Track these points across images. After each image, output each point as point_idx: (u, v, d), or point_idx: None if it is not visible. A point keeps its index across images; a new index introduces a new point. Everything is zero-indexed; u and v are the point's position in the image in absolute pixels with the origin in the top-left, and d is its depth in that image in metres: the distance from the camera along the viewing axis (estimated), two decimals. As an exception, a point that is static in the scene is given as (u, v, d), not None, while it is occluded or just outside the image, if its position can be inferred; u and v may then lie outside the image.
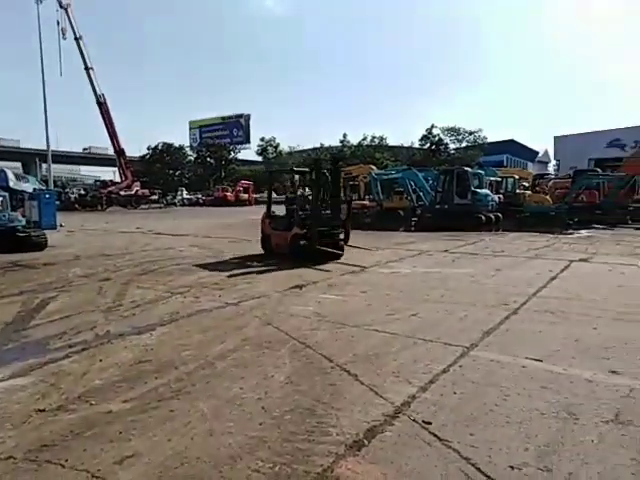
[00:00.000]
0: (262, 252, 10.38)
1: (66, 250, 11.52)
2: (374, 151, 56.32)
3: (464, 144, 56.18)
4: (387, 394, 3.12)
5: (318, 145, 67.05)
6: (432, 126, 55.20)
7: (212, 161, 65.84)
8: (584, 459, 2.35)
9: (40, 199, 17.33)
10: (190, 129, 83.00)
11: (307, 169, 10.34)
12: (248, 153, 74.77)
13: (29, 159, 58.36)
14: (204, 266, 8.77)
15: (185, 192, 55.25)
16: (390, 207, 19.37)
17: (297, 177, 11.04)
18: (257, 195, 52.80)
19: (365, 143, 61.41)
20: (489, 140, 56.74)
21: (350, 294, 6.27)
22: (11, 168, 23.23)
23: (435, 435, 2.58)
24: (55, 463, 2.33)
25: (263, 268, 8.55)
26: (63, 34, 35.13)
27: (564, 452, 2.41)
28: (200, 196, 52.84)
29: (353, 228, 17.91)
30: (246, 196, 48.28)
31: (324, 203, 9.65)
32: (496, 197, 18.82)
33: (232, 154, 69.10)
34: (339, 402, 3.02)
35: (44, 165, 42.91)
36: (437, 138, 55.11)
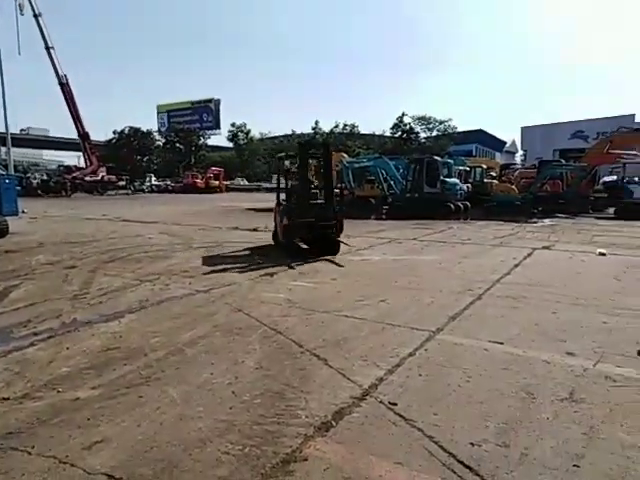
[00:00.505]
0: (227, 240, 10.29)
1: (29, 237, 11.16)
2: (346, 139, 56.40)
3: (435, 133, 56.93)
4: (355, 377, 3.20)
5: (289, 132, 66.61)
6: (403, 114, 55.73)
7: (181, 147, 64.62)
8: (539, 435, 2.49)
9: (0, 183, 16.66)
10: (158, 113, 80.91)
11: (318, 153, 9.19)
12: (219, 139, 73.60)
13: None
14: (174, 254, 8.66)
15: (154, 178, 54.09)
16: (361, 195, 19.53)
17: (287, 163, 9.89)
18: (228, 182, 52.20)
19: (337, 131, 61.37)
20: (459, 129, 57.62)
21: (321, 281, 6.33)
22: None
23: (400, 415, 2.68)
24: (21, 450, 2.31)
25: (235, 254, 8.52)
26: (21, 10, 33.48)
27: (521, 429, 2.55)
28: (169, 183, 51.88)
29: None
30: (217, 183, 47.67)
31: (315, 192, 8.86)
32: (465, 186, 19.26)
33: (202, 140, 67.91)
34: (308, 386, 3.08)
35: (3, 148, 41.09)
36: (408, 127, 55.61)
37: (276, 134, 68.81)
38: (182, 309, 4.93)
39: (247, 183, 57.24)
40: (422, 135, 56.82)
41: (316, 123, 63.29)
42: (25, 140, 64.59)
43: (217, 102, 75.41)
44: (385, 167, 19.25)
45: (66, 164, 49.39)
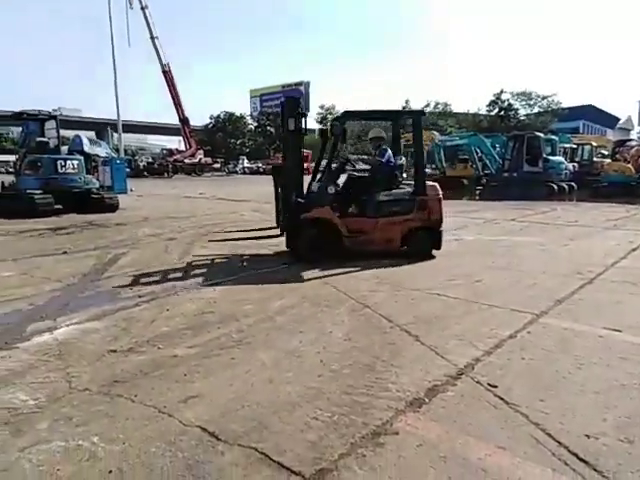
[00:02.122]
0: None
1: (136, 212, 12.11)
2: (437, 118, 54.11)
3: (536, 109, 52.60)
4: (449, 355, 3.01)
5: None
6: (501, 91, 52.05)
7: (272, 130, 66.29)
8: (671, 433, 2.14)
9: (112, 165, 18.30)
10: (251, 98, 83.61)
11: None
12: (308, 121, 74.42)
13: (102, 128, 61.52)
14: (264, 229, 8.89)
15: (246, 161, 56.26)
16: (453, 175, 18.66)
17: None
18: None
19: (428, 110, 59.11)
20: (564, 105, 52.71)
21: (409, 260, 6.10)
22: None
23: (501, 398, 2.45)
24: (126, 397, 2.45)
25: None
26: (130, 4, 36.02)
27: (647, 425, 2.21)
28: (260, 165, 53.61)
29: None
30: (305, 165, 48.34)
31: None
32: (570, 165, 17.57)
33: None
34: (398, 360, 2.95)
35: (115, 134, 45.11)
36: (506, 103, 51.90)
37: (364, 115, 68.02)
38: (270, 280, 5.01)
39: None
40: (522, 112, 52.77)
41: (406, 102, 61.44)
42: (132, 126, 70.27)
43: (307, 85, 76.07)
44: (480, 145, 18.17)
45: (168, 147, 52.94)
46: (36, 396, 2.45)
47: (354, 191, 6.40)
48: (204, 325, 3.59)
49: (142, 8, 37.39)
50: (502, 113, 51.77)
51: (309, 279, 5.03)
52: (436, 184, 6.59)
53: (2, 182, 12.55)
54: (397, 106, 65.69)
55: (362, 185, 6.43)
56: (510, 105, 52.07)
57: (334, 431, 2.15)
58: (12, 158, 31.47)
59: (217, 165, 49.08)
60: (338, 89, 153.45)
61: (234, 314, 3.86)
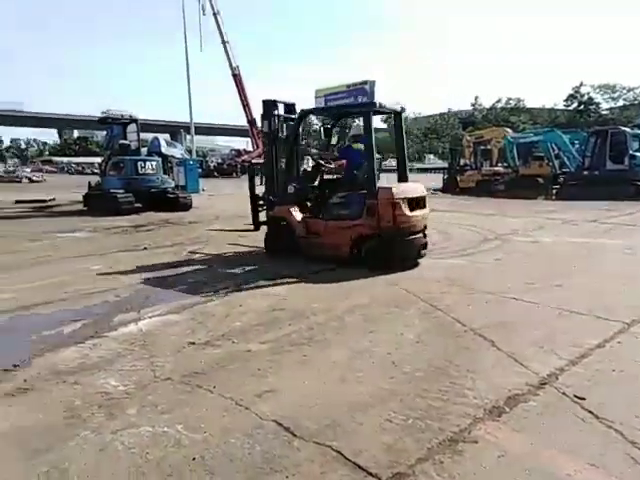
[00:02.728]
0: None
1: (207, 211, 12.63)
2: (509, 114, 51.71)
3: (620, 103, 48.78)
4: (529, 363, 2.85)
5: (445, 110, 63.69)
6: (581, 84, 48.82)
7: (337, 129, 66.55)
8: None
9: (186, 166, 19.23)
10: (316, 98, 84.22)
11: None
12: (373, 120, 74.01)
13: (175, 131, 64.89)
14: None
15: (310, 160, 56.84)
16: (527, 174, 17.69)
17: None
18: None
19: (499, 105, 56.65)
20: (654, 97, 48.46)
21: (482, 261, 5.88)
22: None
23: (591, 412, 2.29)
24: (205, 388, 2.55)
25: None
26: (203, 10, 37.53)
27: None
28: (323, 163, 53.82)
29: (484, 195, 16.98)
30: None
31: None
32: (661, 163, 16.07)
33: (356, 121, 69.03)
34: (474, 365, 2.84)
35: (188, 136, 47.29)
36: (586, 97, 48.56)
37: (430, 113, 66.49)
38: (339, 280, 5.02)
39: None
40: (604, 106, 49.16)
41: (475, 99, 59.34)
42: (203, 128, 73.44)
43: (372, 84, 74.93)
44: (557, 141, 17.10)
45: (236, 148, 54.72)
46: (125, 383, 2.61)
47: (320, 192, 6.32)
48: (275, 321, 3.67)
49: (214, 14, 38.82)
50: (581, 107, 48.51)
51: (377, 280, 4.98)
52: (394, 188, 5.53)
53: (89, 182, 13.61)
54: (466, 103, 63.56)
55: (328, 186, 6.32)
56: (590, 99, 48.69)
57: (409, 435, 2.11)
58: (97, 160, 34.02)
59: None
60: (409, 85, 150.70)
61: (303, 312, 3.91)
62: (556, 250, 6.58)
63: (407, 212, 5.42)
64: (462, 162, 21.71)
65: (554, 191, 16.49)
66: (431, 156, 59.59)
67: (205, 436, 2.09)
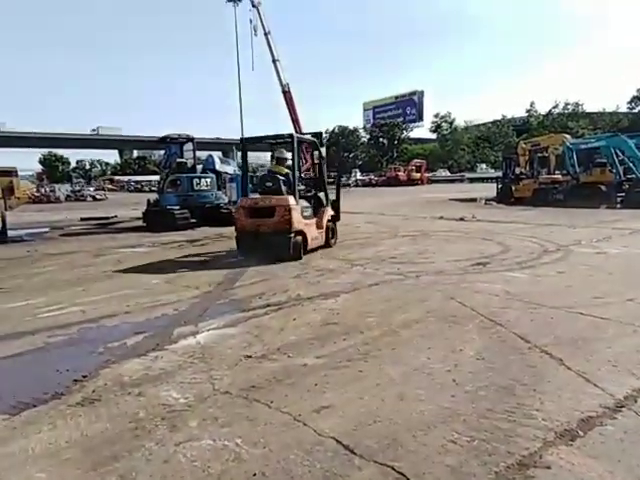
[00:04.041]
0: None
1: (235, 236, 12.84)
2: (567, 120, 49.55)
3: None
4: (603, 384, 2.67)
5: (499, 117, 61.98)
6: (645, 84, 45.99)
7: (384, 141, 66.36)
8: None
9: (238, 181, 19.74)
10: (364, 110, 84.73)
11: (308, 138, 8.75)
12: (421, 131, 73.33)
13: (227, 148, 67.00)
14: (381, 241, 8.86)
15: (358, 173, 56.94)
16: (588, 181, 16.77)
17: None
18: (429, 174, 51.52)
19: (556, 111, 54.41)
20: None
21: (544, 274, 5.60)
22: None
23: (677, 439, 2.10)
24: (263, 403, 2.56)
25: (440, 243, 8.26)
26: (255, 31, 38.83)
27: None
28: (372, 177, 53.80)
29: (541, 205, 16.27)
30: (418, 175, 47.43)
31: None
32: None
33: (404, 133, 68.54)
34: (542, 385, 2.69)
35: (239, 153, 48.77)
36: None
37: (483, 121, 64.95)
38: (393, 293, 4.95)
39: (449, 174, 55.58)
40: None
41: (531, 105, 57.36)
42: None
43: (421, 94, 74.99)
44: (622, 146, 16.11)
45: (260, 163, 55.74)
46: (186, 395, 2.67)
47: None
48: (329, 336, 3.64)
49: (265, 34, 40.05)
50: (647, 109, 45.72)
51: (431, 292, 4.86)
52: (241, 200, 8.08)
53: (148, 199, 14.26)
54: (521, 109, 61.49)
55: None
56: (657, 99, 45.81)
57: (475, 457, 2.02)
58: (155, 178, 35.70)
59: (331, 179, 50.35)
60: (455, 95, 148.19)
61: (357, 326, 3.86)
62: (625, 262, 6.17)
63: (244, 219, 7.40)
64: (517, 171, 20.94)
65: (619, 199, 15.54)
66: (483, 165, 57.99)
67: (264, 451, 2.09)
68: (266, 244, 7.14)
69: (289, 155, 7.87)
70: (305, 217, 7.52)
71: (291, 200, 7.20)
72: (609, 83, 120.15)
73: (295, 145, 7.53)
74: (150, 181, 49.33)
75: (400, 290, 5.07)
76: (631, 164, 16.01)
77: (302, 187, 8.19)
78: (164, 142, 13.66)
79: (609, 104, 58.99)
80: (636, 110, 46.56)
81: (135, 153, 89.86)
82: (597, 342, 3.34)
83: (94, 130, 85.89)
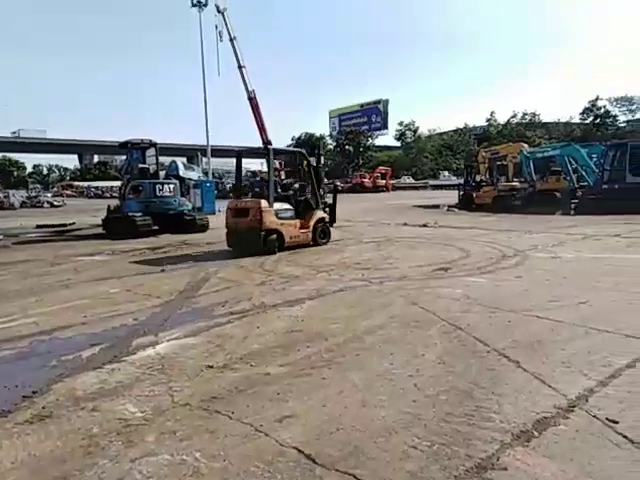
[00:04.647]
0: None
1: (224, 232, 12.68)
2: (525, 129, 51.49)
3: (639, 115, 48.24)
4: (557, 385, 2.76)
5: (462, 126, 63.72)
6: (597, 97, 48.46)
7: (350, 148, 67.04)
8: None
9: (202, 187, 19.49)
10: (330, 118, 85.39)
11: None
12: (386, 139, 74.48)
13: (192, 154, 66.04)
14: (346, 247, 8.91)
15: (325, 180, 57.12)
16: (544, 189, 17.46)
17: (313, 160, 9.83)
18: (394, 181, 52.34)
19: (515, 121, 56.47)
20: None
21: (502, 279, 5.76)
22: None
23: (625, 437, 2.18)
24: (224, 414, 2.51)
25: (403, 248, 8.39)
26: (220, 37, 38.52)
27: None
28: (338, 183, 54.12)
29: (500, 211, 16.80)
30: (383, 182, 48.12)
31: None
32: (683, 174, 15.73)
33: (370, 140, 69.46)
34: (500, 388, 2.75)
35: (204, 159, 48.00)
36: (603, 110, 48.14)
37: (446, 129, 66.65)
38: (358, 299, 4.97)
39: (413, 181, 56.63)
40: (622, 118, 48.65)
41: (491, 114, 59.33)
42: (219, 150, 74.68)
43: (385, 102, 76.18)
44: (575, 155, 16.88)
45: (252, 169, 55.41)
46: (143, 408, 2.59)
47: None
48: (294, 343, 3.62)
49: (231, 40, 39.76)
50: (598, 121, 48.06)
51: (395, 298, 4.91)
52: (229, 202, 9.21)
53: (108, 206, 13.85)
54: (482, 118, 63.46)
55: None
56: (607, 112, 48.24)
57: (435, 462, 2.04)
58: (116, 184, 34.72)
59: (296, 185, 50.42)
60: (418, 104, 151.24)
61: (322, 333, 3.86)
62: (578, 266, 6.43)
63: (229, 218, 8.72)
64: (478, 178, 21.58)
65: (572, 206, 16.22)
66: (446, 173, 59.43)
67: (224, 464, 2.05)
68: (243, 239, 8.34)
69: (276, 164, 9.49)
70: (282, 218, 8.49)
71: (263, 203, 8.19)
72: (564, 96, 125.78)
73: (271, 156, 8.88)
74: (111, 187, 48.02)
75: (364, 296, 5.10)
76: (583, 172, 16.78)
77: (291, 192, 9.48)
78: (125, 147, 13.32)
79: (563, 115, 61.60)
80: (588, 121, 48.82)
81: (96, 158, 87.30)
82: (552, 344, 3.45)
83: (14, 133, 79.67)
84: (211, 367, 3.18)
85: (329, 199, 10.19)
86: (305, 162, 9.47)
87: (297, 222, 8.81)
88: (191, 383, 2.93)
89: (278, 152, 9.84)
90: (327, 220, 9.50)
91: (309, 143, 66.42)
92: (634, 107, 47.94)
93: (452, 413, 2.46)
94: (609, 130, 46.17)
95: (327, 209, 9.73)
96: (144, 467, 2.03)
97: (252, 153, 9.59)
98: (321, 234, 9.22)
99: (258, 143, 46.61)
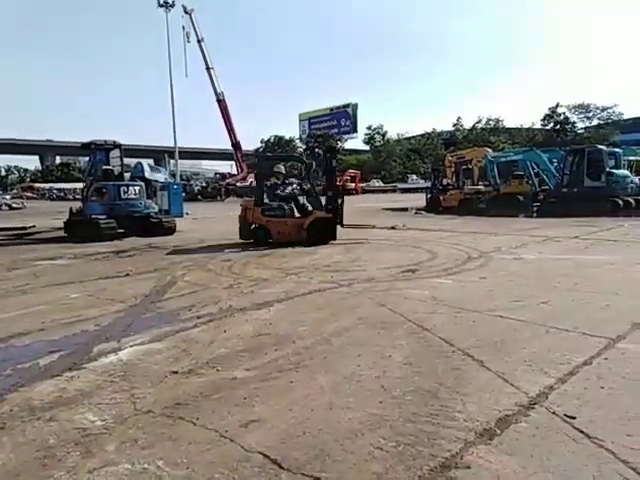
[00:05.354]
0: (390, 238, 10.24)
1: (192, 234, 12.52)
2: (489, 134, 52.92)
3: (595, 122, 50.31)
4: (519, 383, 2.83)
5: (430, 130, 64.91)
6: (557, 104, 50.25)
7: (320, 152, 67.15)
8: None
9: (169, 190, 19.12)
10: (300, 121, 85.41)
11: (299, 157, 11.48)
12: (355, 142, 75.04)
13: (159, 155, 64.81)
14: (317, 250, 8.92)
15: (295, 182, 57.04)
16: (508, 192, 18.01)
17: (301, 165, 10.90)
18: (363, 184, 52.75)
19: (479, 126, 57.95)
20: (626, 116, 50.05)
21: (468, 280, 5.89)
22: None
23: (582, 432, 2.25)
24: (188, 420, 2.46)
25: (373, 251, 8.46)
26: (187, 38, 38.09)
27: None
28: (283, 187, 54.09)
29: (466, 214, 17.19)
30: (353, 185, 48.39)
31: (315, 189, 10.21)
32: (637, 179, 16.55)
33: (339, 144, 69.84)
34: (464, 387, 2.80)
35: (172, 160, 47.28)
36: (562, 117, 49.97)
37: (414, 134, 67.74)
38: (326, 301, 4.98)
39: (382, 184, 57.22)
40: (580, 125, 50.62)
41: (457, 119, 60.68)
42: (187, 152, 73.56)
43: (355, 106, 76.80)
44: (537, 160, 17.50)
45: (221, 172, 54.83)
46: (104, 417, 2.50)
47: None
48: (261, 347, 3.59)
49: (198, 41, 39.37)
50: (558, 127, 49.86)
51: (363, 300, 4.94)
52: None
53: (71, 208, 13.40)
54: (449, 123, 64.84)
55: None
56: (567, 118, 50.12)
57: (400, 462, 2.05)
58: (79, 186, 33.66)
59: (296, 188, 50.24)
60: (387, 108, 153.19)
61: (290, 336, 3.84)
62: (540, 267, 6.63)
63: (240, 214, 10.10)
64: (444, 182, 22.04)
65: (534, 208, 16.78)
66: (414, 176, 60.37)
67: (187, 472, 2.00)
68: (243, 231, 10.00)
69: (282, 169, 10.43)
70: (269, 215, 9.71)
71: (250, 203, 9.97)
72: (527, 102, 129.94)
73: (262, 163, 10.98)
74: (75, 189, 46.56)
75: (333, 298, 5.11)
76: (545, 176, 17.40)
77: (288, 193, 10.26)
78: (88, 148, 12.93)
79: (526, 121, 63.71)
80: (548, 127, 50.59)
81: (58, 159, 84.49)
82: (514, 343, 3.54)
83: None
84: (176, 373, 3.11)
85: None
86: (303, 166, 10.50)
87: (287, 220, 9.68)
88: (155, 389, 2.86)
89: (276, 158, 11.31)
90: (330, 221, 9.76)
91: (280, 145, 66.35)
92: (590, 114, 50.02)
93: (418, 413, 2.49)
94: (568, 136, 48.00)
95: (337, 210, 10.04)
96: (102, 478, 1.96)
97: (270, 158, 10.82)
98: (317, 234, 9.54)
99: (227, 145, 46.33)
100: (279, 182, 10.27)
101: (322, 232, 9.62)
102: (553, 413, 2.45)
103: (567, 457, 2.07)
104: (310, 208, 9.78)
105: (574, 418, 2.38)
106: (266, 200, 9.86)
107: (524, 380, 2.87)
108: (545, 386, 2.78)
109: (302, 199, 9.93)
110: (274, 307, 4.76)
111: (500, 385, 2.82)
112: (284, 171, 10.58)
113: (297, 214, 9.81)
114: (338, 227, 10.07)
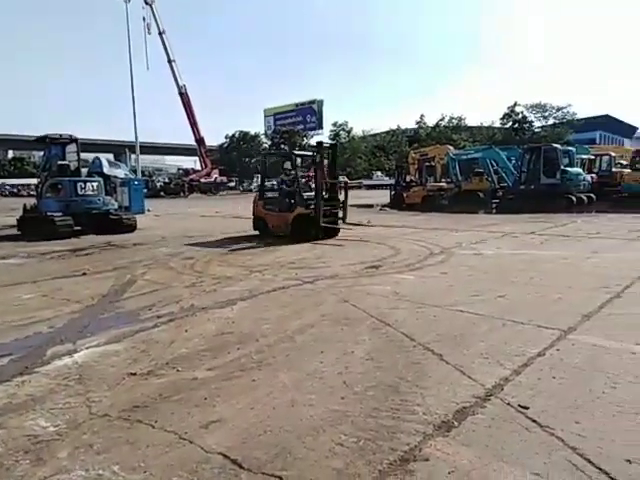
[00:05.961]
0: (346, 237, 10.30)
1: (153, 232, 12.23)
2: (451, 132, 54.05)
3: (551, 121, 52.20)
4: (476, 375, 2.91)
5: (394, 127, 65.66)
6: (515, 104, 51.79)
7: (286, 148, 66.84)
8: None
9: (130, 186, 18.59)
10: (265, 117, 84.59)
11: (308, 152, 11.41)
12: (320, 139, 74.96)
13: (119, 150, 62.83)
14: (280, 247, 8.88)
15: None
16: (469, 189, 18.47)
17: (298, 160, 11.02)
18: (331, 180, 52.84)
19: (442, 124, 59.07)
20: (580, 116, 52.19)
21: (429, 275, 6.01)
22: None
23: (534, 421, 2.34)
24: (146, 423, 2.40)
25: (338, 247, 8.50)
26: (148, 29, 37.02)
27: (693, 449, 2.08)
28: (274, 182, 53.91)
29: (429, 210, 17.54)
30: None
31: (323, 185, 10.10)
32: (589, 177, 17.30)
33: (305, 140, 69.63)
34: (424, 381, 2.86)
35: (133, 156, 45.96)
36: (520, 116, 51.59)
37: (379, 131, 68.36)
38: (290, 298, 4.97)
39: (348, 181, 57.51)
40: (536, 124, 52.39)
41: (421, 117, 61.64)
42: (149, 147, 71.65)
43: (320, 103, 76.67)
44: (496, 158, 18.03)
45: (184, 167, 53.78)
46: (56, 422, 2.41)
47: None
48: (223, 346, 3.54)
49: (160, 33, 38.36)
50: (516, 126, 51.46)
51: (327, 296, 4.96)
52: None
53: (24, 205, 12.82)
54: (412, 121, 65.79)
55: None
56: (524, 117, 51.77)
57: (360, 457, 2.07)
58: (34, 181, 32.25)
59: (232, 184, 49.63)
60: (351, 105, 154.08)
61: (253, 334, 3.81)
62: (498, 262, 6.84)
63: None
64: (408, 178, 22.38)
65: (494, 205, 17.29)
66: (378, 173, 60.95)
67: (145, 476, 1.96)
68: (254, 221, 10.93)
69: (288, 165, 10.52)
70: (268, 209, 10.55)
71: (255, 197, 11.17)
72: (487, 101, 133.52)
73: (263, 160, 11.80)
74: (29, 185, 44.59)
75: (297, 295, 5.11)
76: (503, 174, 17.93)
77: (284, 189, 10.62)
78: (43, 142, 12.37)
79: (486, 119, 65.40)
80: (507, 126, 52.13)
81: (10, 154, 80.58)
82: (472, 337, 3.64)
83: None
84: (134, 374, 3.03)
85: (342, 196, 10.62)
86: (289, 162, 10.65)
87: (280, 214, 10.22)
88: (111, 392, 2.77)
89: (281, 155, 11.47)
90: (310, 218, 9.62)
91: (245, 140, 65.54)
92: (547, 114, 51.84)
93: (378, 408, 2.52)
94: (526, 134, 49.56)
95: (340, 205, 10.28)
96: (55, 486, 1.90)
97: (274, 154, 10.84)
98: (299, 230, 9.66)
99: (190, 140, 45.44)
100: (286, 178, 10.65)
101: (304, 228, 9.65)
102: (508, 404, 2.54)
103: (520, 446, 2.15)
104: (292, 204, 9.99)
105: (527, 408, 2.47)
106: (270, 194, 10.83)
107: (481, 372, 2.95)
108: (501, 378, 2.87)
109: (305, 195, 10.06)
110: (237, 305, 4.71)
111: (458, 378, 2.90)
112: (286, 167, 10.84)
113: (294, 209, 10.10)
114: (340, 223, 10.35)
